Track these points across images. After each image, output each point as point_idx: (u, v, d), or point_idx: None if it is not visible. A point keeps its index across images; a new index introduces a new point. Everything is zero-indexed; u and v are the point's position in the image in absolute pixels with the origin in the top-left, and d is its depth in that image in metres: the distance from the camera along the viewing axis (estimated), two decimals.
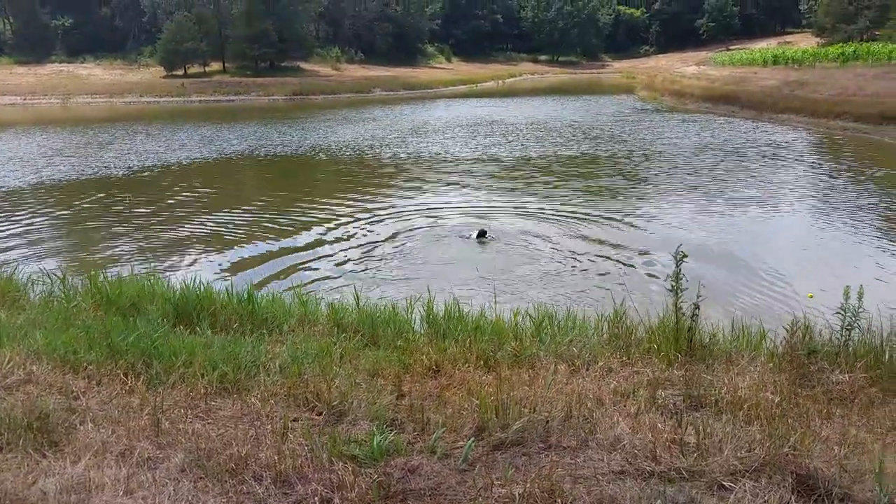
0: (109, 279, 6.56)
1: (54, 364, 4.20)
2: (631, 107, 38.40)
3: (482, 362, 4.34)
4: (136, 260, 10.84)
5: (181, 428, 3.36)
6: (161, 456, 3.11)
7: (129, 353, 4.27)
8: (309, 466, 2.99)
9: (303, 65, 64.47)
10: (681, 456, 3.00)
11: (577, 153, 21.95)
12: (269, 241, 11.97)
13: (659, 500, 2.70)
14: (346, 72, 65.22)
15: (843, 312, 4.24)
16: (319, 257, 10.94)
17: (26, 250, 11.60)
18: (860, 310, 4.23)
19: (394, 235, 12.05)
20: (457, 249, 11.11)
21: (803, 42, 63.41)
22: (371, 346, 4.90)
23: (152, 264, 10.38)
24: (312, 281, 9.67)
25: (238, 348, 4.44)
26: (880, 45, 37.83)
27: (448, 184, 17.44)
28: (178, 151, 23.69)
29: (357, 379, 4.04)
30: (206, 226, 13.29)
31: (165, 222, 13.61)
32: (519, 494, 2.74)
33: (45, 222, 13.91)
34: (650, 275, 9.63)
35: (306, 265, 10.53)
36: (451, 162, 20.83)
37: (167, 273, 9.45)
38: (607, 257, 10.53)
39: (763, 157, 20.24)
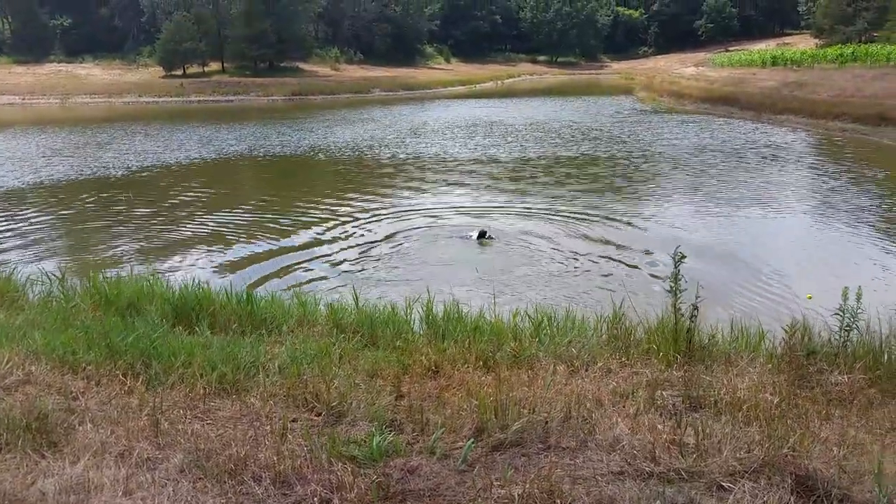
0: (108, 279, 6.56)
1: (53, 364, 4.20)
2: (630, 108, 38.41)
3: (481, 363, 4.34)
4: (134, 260, 10.84)
5: (180, 428, 3.35)
6: (160, 456, 3.10)
7: (128, 353, 4.27)
8: (308, 467, 2.99)
9: (302, 65, 64.44)
10: (680, 457, 3.00)
11: (576, 154, 21.96)
12: (268, 242, 11.97)
13: (658, 501, 2.71)
14: (345, 72, 65.22)
15: (841, 313, 4.24)
16: (318, 257, 10.93)
17: (25, 250, 11.59)
18: (859, 311, 4.23)
19: (393, 236, 12.05)
20: (456, 250, 11.11)
21: (802, 43, 63.51)
22: (370, 346, 4.90)
23: (151, 264, 10.36)
24: (311, 281, 9.67)
25: (237, 349, 4.43)
26: (879, 47, 37.90)
27: (447, 184, 17.44)
28: (176, 152, 23.67)
29: (356, 379, 4.04)
30: (205, 226, 13.29)
31: (164, 222, 13.60)
32: (518, 495, 2.74)
33: (44, 222, 13.89)
34: (653, 275, 9.62)
35: (305, 265, 10.52)
36: (450, 162, 20.83)
37: (166, 273, 9.43)
38: (608, 258, 10.53)
39: (762, 158, 20.25)
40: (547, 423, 3.36)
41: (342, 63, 68.67)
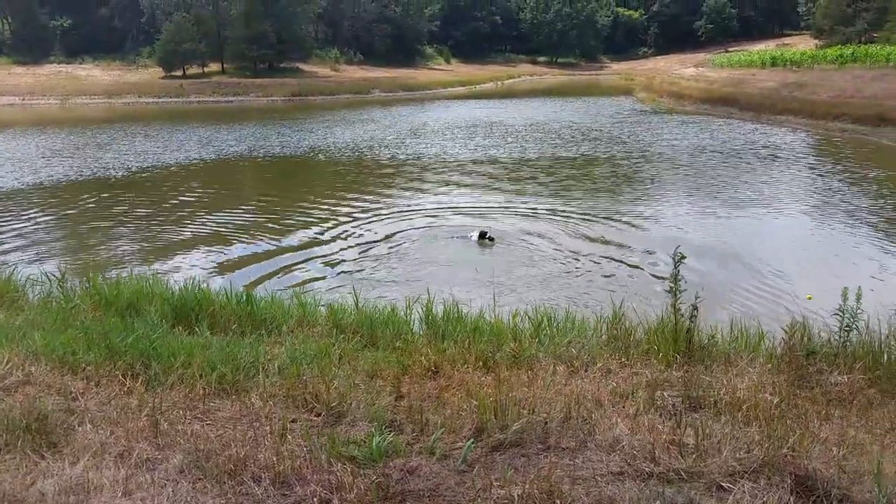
0: (108, 280, 6.56)
1: (53, 365, 4.20)
2: (629, 108, 38.42)
3: (481, 363, 4.34)
4: (134, 260, 10.84)
5: (180, 429, 3.35)
6: (160, 457, 3.10)
7: (127, 353, 4.27)
8: (308, 467, 2.99)
9: (302, 66, 64.41)
10: (679, 457, 3.00)
11: (576, 154, 21.97)
12: (268, 242, 11.97)
13: (658, 501, 2.71)
14: (345, 73, 65.19)
15: (841, 314, 4.25)
16: (318, 258, 10.93)
17: (25, 251, 11.59)
18: (859, 311, 4.23)
19: (393, 236, 12.05)
20: (456, 250, 11.11)
21: (802, 44, 63.45)
22: (370, 347, 4.90)
23: (151, 265, 10.37)
24: (311, 281, 9.67)
25: (237, 349, 4.43)
26: (878, 48, 37.88)
27: (447, 185, 17.44)
28: (176, 152, 23.67)
29: (356, 380, 4.04)
30: (205, 226, 13.29)
31: (164, 223, 13.60)
32: (518, 495, 2.74)
33: (44, 223, 13.89)
34: (655, 275, 9.62)
35: (305, 266, 10.53)
36: (450, 163, 20.83)
37: (166, 274, 9.44)
38: (609, 258, 10.53)
39: (762, 158, 20.26)
40: (547, 423, 3.36)
41: (342, 64, 68.62)
